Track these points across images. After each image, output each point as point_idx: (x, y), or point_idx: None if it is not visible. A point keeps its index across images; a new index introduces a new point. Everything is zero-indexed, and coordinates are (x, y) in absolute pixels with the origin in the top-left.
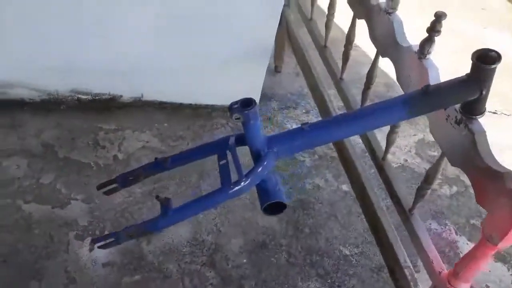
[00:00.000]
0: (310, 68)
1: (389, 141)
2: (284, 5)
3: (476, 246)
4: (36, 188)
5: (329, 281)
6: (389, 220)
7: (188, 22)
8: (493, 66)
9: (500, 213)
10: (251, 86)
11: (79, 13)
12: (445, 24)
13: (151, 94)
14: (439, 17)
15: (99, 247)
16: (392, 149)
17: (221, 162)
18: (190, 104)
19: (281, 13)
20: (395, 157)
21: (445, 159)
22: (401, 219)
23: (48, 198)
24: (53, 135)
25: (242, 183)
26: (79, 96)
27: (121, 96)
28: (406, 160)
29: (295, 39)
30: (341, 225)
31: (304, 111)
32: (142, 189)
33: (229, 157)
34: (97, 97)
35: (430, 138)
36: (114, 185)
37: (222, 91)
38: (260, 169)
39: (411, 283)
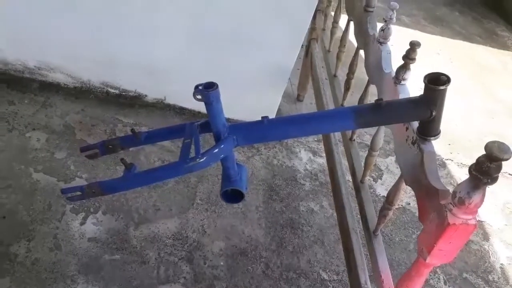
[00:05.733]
0: (322, 96)
1: (367, 163)
2: (312, 39)
3: (412, 265)
4: (48, 160)
5: None
6: (360, 242)
7: (217, 37)
8: (442, 88)
9: (430, 228)
10: (267, 106)
11: (122, 13)
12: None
13: (173, 99)
14: (413, 45)
15: (67, 199)
16: None
17: (185, 141)
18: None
19: (308, 46)
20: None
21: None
22: (366, 239)
23: (56, 171)
24: (76, 119)
25: (198, 160)
26: (108, 89)
27: (145, 95)
28: (409, 204)
29: (315, 69)
30: (325, 251)
31: (316, 139)
32: None
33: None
34: (124, 93)
35: None
36: (95, 151)
37: (240, 107)
38: (216, 150)
39: None
